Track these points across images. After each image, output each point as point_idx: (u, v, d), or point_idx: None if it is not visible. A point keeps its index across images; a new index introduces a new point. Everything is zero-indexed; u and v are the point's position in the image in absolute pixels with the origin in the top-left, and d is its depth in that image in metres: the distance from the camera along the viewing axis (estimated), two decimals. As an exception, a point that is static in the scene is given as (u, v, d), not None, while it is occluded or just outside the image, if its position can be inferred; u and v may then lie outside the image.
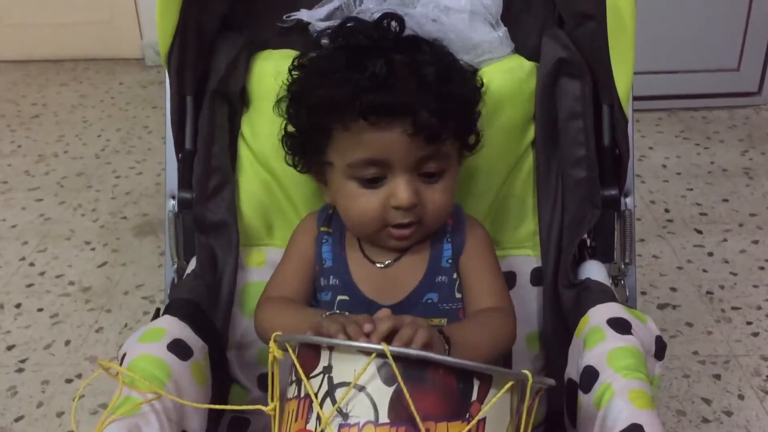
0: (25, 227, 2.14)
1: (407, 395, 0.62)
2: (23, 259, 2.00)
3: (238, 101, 1.04)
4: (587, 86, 0.97)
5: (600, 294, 0.90)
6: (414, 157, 0.82)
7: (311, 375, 0.67)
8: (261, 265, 1.02)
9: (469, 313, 0.88)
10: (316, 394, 0.66)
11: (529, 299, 1.01)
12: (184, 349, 0.85)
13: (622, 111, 0.95)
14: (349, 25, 0.91)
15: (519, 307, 0.93)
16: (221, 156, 1.00)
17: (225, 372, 0.98)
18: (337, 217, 0.93)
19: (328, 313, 0.82)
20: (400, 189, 0.82)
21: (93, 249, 2.04)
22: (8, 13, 3.16)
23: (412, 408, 0.62)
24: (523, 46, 1.04)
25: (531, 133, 1.02)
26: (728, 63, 2.64)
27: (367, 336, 0.71)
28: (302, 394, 0.68)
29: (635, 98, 1.00)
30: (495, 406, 0.65)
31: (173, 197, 1.03)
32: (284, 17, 1.07)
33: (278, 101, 0.92)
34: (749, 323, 1.73)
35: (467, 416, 0.64)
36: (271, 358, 0.71)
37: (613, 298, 0.90)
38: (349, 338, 0.71)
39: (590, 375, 0.81)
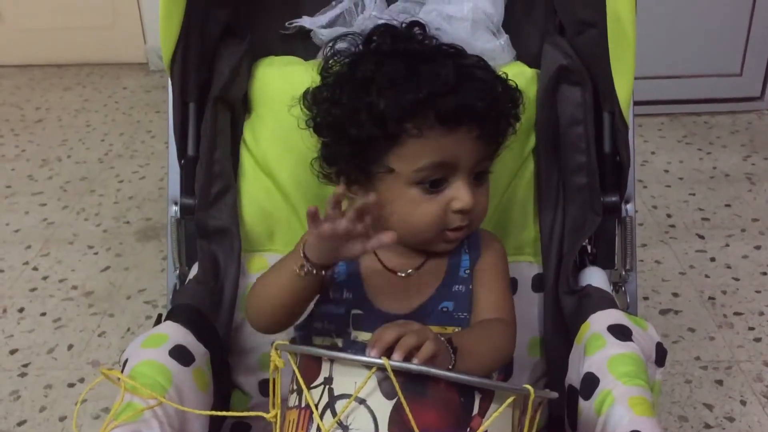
0: (29, 231, 2.14)
1: (407, 409, 0.62)
2: (27, 263, 2.01)
3: (241, 107, 1.05)
4: (588, 93, 0.98)
5: (600, 300, 0.90)
6: (475, 159, 0.84)
7: (312, 385, 0.68)
8: (263, 271, 1.02)
9: (474, 322, 0.88)
10: (316, 405, 0.66)
11: (530, 305, 1.02)
12: (185, 355, 0.85)
13: (622, 118, 0.95)
14: (382, 30, 0.89)
15: (520, 313, 0.93)
16: (223, 162, 1.01)
17: (226, 378, 0.98)
18: None
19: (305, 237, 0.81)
20: (463, 192, 0.83)
21: (96, 253, 2.05)
22: (12, 18, 3.17)
23: (413, 422, 0.62)
24: (525, 54, 1.04)
25: (532, 140, 1.02)
26: (731, 68, 2.64)
27: (372, 345, 0.70)
28: (303, 404, 0.68)
29: (637, 103, 1.01)
30: (496, 420, 0.65)
31: (175, 203, 1.03)
32: (286, 24, 1.08)
33: (314, 114, 0.89)
34: (751, 329, 1.73)
35: (468, 430, 0.65)
36: (272, 366, 0.71)
37: (613, 305, 0.90)
38: None
39: (591, 381, 0.82)
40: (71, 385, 1.61)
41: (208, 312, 0.94)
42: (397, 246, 0.89)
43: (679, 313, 1.78)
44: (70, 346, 1.72)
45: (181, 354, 0.84)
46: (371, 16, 1.01)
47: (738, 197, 2.23)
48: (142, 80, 3.15)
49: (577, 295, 0.94)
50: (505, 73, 0.89)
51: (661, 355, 0.87)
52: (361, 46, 0.89)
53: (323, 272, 0.80)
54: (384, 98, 0.80)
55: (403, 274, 0.90)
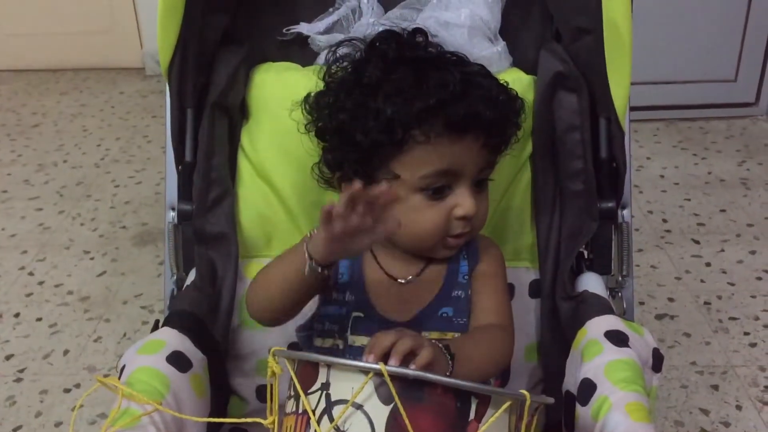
0: (25, 236, 2.14)
1: (404, 415, 0.63)
2: (22, 268, 2.00)
3: (238, 114, 1.05)
4: (584, 99, 0.98)
5: (597, 306, 0.91)
6: (479, 167, 0.85)
7: (309, 391, 0.68)
8: (260, 278, 1.03)
9: (472, 327, 0.89)
10: (313, 411, 0.66)
11: (527, 311, 1.02)
12: (183, 361, 0.85)
13: (618, 124, 0.96)
14: (386, 36, 0.89)
15: (517, 319, 0.93)
16: (221, 168, 1.01)
17: (224, 383, 0.99)
18: None
19: (315, 230, 0.80)
20: (466, 199, 0.83)
21: (92, 258, 2.04)
22: (8, 22, 3.17)
23: (409, 427, 0.62)
24: (522, 60, 1.05)
25: (529, 147, 1.03)
26: (725, 74, 2.65)
27: (369, 351, 0.71)
28: (300, 410, 0.68)
29: (633, 108, 1.01)
30: (493, 425, 0.66)
31: (173, 209, 1.04)
32: (284, 30, 1.08)
33: (317, 119, 0.89)
34: (747, 333, 1.73)
35: (465, 436, 0.65)
36: (269, 372, 0.71)
37: (610, 311, 0.91)
38: None
39: (588, 387, 0.82)
40: (67, 391, 1.61)
41: (205, 318, 0.94)
42: (397, 252, 0.90)
43: (675, 318, 1.79)
44: (66, 352, 1.72)
45: (178, 360, 0.84)
46: (369, 22, 1.02)
47: (733, 202, 2.24)
48: (138, 85, 3.15)
49: (574, 300, 0.95)
50: (505, 81, 0.89)
51: (657, 361, 0.87)
52: (364, 52, 0.89)
53: (327, 271, 0.80)
54: (391, 105, 0.80)
55: (403, 281, 0.90)
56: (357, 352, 0.84)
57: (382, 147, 0.81)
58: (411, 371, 0.65)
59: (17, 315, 1.84)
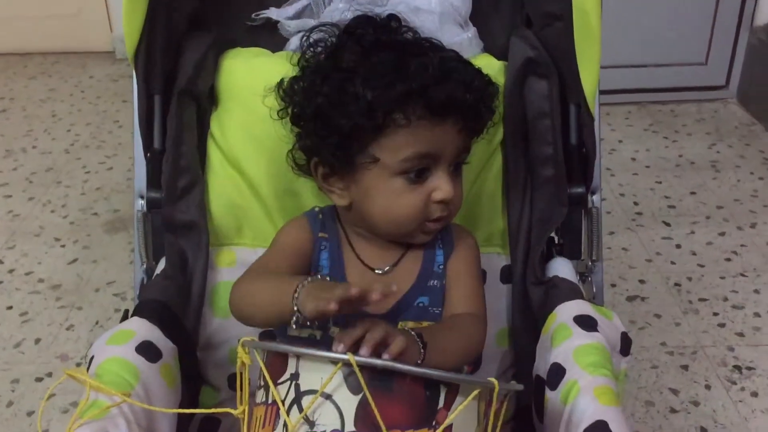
0: (-6, 224, 2.11)
1: (373, 404, 0.63)
2: (-8, 256, 1.98)
3: (207, 100, 1.04)
4: (554, 86, 0.99)
5: (567, 291, 0.92)
6: (457, 150, 0.85)
7: (279, 381, 0.68)
8: (231, 265, 1.02)
9: (445, 316, 0.89)
10: (283, 401, 0.66)
11: (498, 297, 1.02)
12: (153, 351, 0.84)
13: (588, 110, 0.96)
14: (363, 21, 0.89)
15: (489, 304, 0.94)
16: (190, 156, 1.00)
17: (195, 372, 0.98)
18: (330, 223, 0.92)
19: (307, 281, 0.77)
20: (444, 182, 0.84)
21: (63, 246, 2.02)
22: (-25, 6, 3.11)
23: (378, 417, 0.63)
24: (492, 46, 1.05)
25: (500, 132, 1.03)
26: (696, 57, 2.67)
27: (339, 340, 0.71)
28: (270, 400, 0.68)
29: (605, 92, 1.01)
30: (462, 412, 0.66)
31: (142, 197, 1.03)
32: (253, 16, 1.07)
33: (292, 105, 0.88)
34: (716, 314, 1.76)
35: (434, 423, 0.65)
36: (239, 363, 0.71)
37: (579, 296, 0.92)
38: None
39: (557, 372, 0.83)
40: (39, 380, 1.60)
41: (176, 307, 0.94)
42: (375, 239, 0.90)
43: (646, 299, 1.81)
44: (37, 340, 1.70)
45: (148, 350, 0.84)
46: (339, 8, 1.01)
47: (703, 185, 2.27)
48: (108, 69, 3.10)
49: (544, 286, 0.96)
50: (479, 67, 0.89)
51: (626, 345, 0.88)
52: (339, 37, 0.89)
53: (315, 322, 0.79)
54: (371, 89, 0.80)
55: (380, 272, 0.90)
56: (328, 343, 0.83)
57: (362, 131, 0.81)
58: (379, 361, 0.65)
59: (-13, 304, 1.82)
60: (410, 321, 0.87)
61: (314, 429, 0.65)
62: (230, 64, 1.04)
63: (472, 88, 0.83)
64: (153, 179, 1.01)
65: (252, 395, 0.73)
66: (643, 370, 1.61)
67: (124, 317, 0.90)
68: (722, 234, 2.04)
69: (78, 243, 2.03)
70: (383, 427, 0.63)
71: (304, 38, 0.91)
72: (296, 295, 0.76)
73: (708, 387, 1.56)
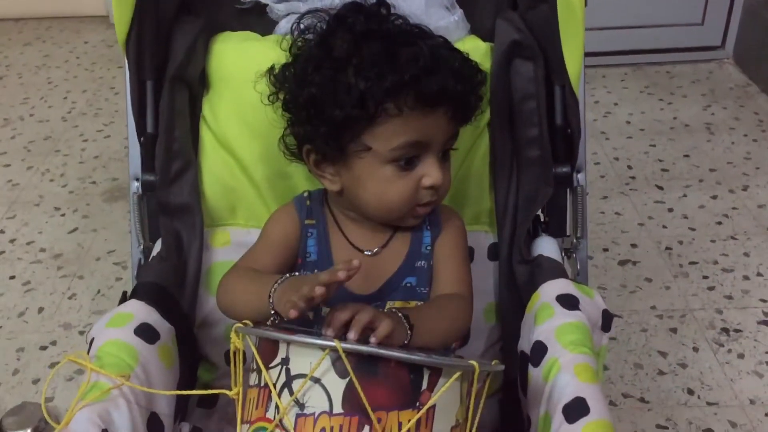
0: (-7, 193, 2.14)
1: (359, 388, 0.66)
2: (-7, 226, 2.01)
3: (198, 85, 1.05)
4: (540, 68, 1.00)
5: (551, 271, 0.94)
6: (446, 137, 0.87)
7: (270, 365, 0.71)
8: (226, 245, 1.05)
9: (432, 296, 0.92)
10: (274, 385, 0.70)
11: (486, 274, 1.05)
12: (150, 333, 0.87)
13: (573, 92, 0.98)
14: (353, 9, 0.89)
15: (477, 281, 0.97)
16: (183, 140, 1.02)
17: (193, 350, 1.01)
18: (318, 207, 0.94)
19: (278, 283, 0.81)
20: (434, 169, 0.86)
21: (63, 215, 2.05)
22: (-34, -30, 3.08)
23: (364, 399, 0.66)
24: (479, 28, 1.06)
25: (487, 114, 1.04)
26: (692, 17, 2.66)
27: (328, 324, 0.74)
28: (262, 383, 0.71)
29: (601, 53, 1.03)
30: (445, 394, 0.69)
31: (137, 179, 1.05)
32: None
33: (284, 91, 0.89)
34: (705, 277, 1.79)
35: (418, 405, 0.68)
36: (232, 348, 0.74)
37: (563, 274, 0.94)
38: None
39: (540, 349, 0.86)
40: (43, 348, 1.64)
41: (172, 288, 0.96)
42: (364, 222, 0.92)
43: (637, 263, 1.84)
44: (40, 309, 1.74)
45: (146, 332, 0.87)
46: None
47: (696, 147, 2.28)
48: (103, 34, 3.08)
49: (529, 265, 0.98)
50: (467, 52, 0.91)
51: (607, 321, 0.91)
52: (329, 24, 0.89)
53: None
54: (363, 79, 0.81)
55: (369, 254, 0.92)
56: (318, 325, 0.86)
57: (354, 121, 0.83)
58: (364, 348, 0.68)
59: (-10, 274, 1.85)
60: (398, 301, 0.90)
61: (304, 411, 0.68)
62: (220, 48, 1.05)
63: (462, 77, 0.85)
64: (147, 163, 1.03)
65: (246, 371, 0.77)
66: (633, 333, 1.65)
67: (123, 299, 0.93)
68: (714, 197, 2.06)
69: (78, 212, 2.05)
70: (369, 409, 0.67)
71: (295, 25, 0.92)
72: (271, 299, 0.79)
73: (696, 349, 1.60)
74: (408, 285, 0.91)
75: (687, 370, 1.55)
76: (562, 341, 0.84)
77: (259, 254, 0.93)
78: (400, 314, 0.80)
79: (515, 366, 0.93)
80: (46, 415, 0.83)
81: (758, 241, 1.90)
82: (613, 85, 2.61)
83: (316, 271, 0.90)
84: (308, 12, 0.93)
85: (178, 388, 0.90)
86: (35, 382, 1.56)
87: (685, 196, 2.07)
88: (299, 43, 0.91)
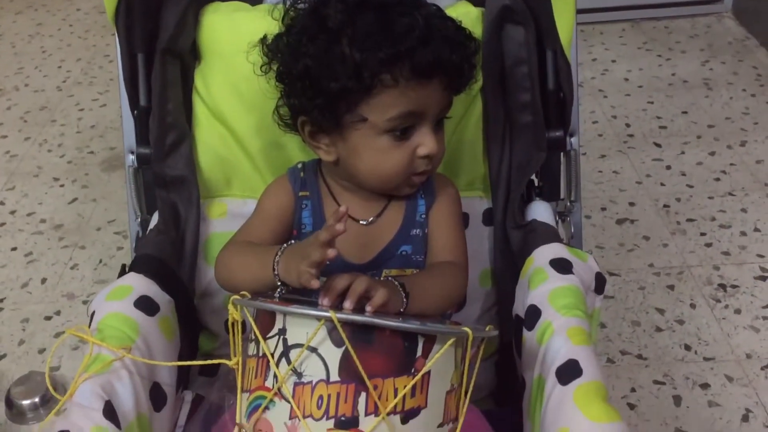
0: (-8, 165, 2.14)
1: (354, 356, 0.67)
2: (-7, 198, 2.02)
3: (190, 57, 1.05)
4: (531, 33, 0.99)
5: (544, 235, 0.95)
6: (440, 107, 0.87)
7: (268, 336, 0.72)
8: (222, 216, 1.06)
9: (428, 264, 0.93)
10: (272, 354, 0.71)
11: (481, 239, 1.06)
12: (150, 305, 0.88)
13: (564, 56, 0.97)
14: None
15: (472, 246, 0.98)
16: (176, 112, 1.02)
17: (193, 320, 1.03)
18: (313, 178, 0.95)
19: (280, 253, 0.82)
20: (429, 138, 0.86)
21: (62, 185, 2.05)
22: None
23: (360, 367, 0.67)
24: (470, -8, 1.05)
25: (480, 80, 1.04)
26: (691, -29, 2.63)
27: (324, 294, 0.75)
28: (260, 353, 0.73)
29: (600, 10, 1.02)
30: (439, 360, 0.71)
31: (132, 152, 1.05)
32: (231, -33, 1.07)
33: (277, 62, 0.89)
34: (703, 234, 1.80)
35: (413, 371, 0.70)
36: (230, 320, 0.75)
37: (556, 239, 0.95)
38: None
39: (534, 313, 0.87)
40: (48, 318, 1.66)
41: (170, 260, 0.97)
42: (359, 191, 0.93)
43: (635, 222, 1.85)
44: (43, 280, 1.75)
45: (146, 304, 0.88)
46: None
47: (695, 103, 2.27)
48: (95, 0, 3.05)
49: (524, 229, 0.99)
50: (459, 19, 0.90)
51: (600, 284, 0.92)
52: None
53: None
54: (359, 50, 0.81)
55: (365, 223, 0.93)
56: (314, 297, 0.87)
57: (350, 92, 0.82)
58: (359, 317, 0.69)
59: (-8, 246, 1.86)
60: (394, 269, 0.91)
61: (302, 380, 0.70)
62: (210, 19, 1.04)
63: (456, 46, 0.84)
64: (141, 136, 1.03)
65: (245, 341, 0.78)
66: (631, 291, 1.67)
67: (122, 272, 0.94)
68: (712, 154, 2.06)
69: (77, 182, 2.06)
70: (365, 377, 0.68)
71: None
72: (275, 270, 0.80)
73: (693, 306, 1.62)
74: (403, 253, 0.92)
75: (684, 326, 1.57)
76: (555, 305, 0.85)
77: (255, 228, 0.93)
78: (395, 282, 0.81)
79: (510, 330, 0.95)
80: (50, 387, 0.84)
81: (756, 196, 1.90)
82: (611, 42, 2.59)
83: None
84: None
85: (180, 358, 0.92)
86: (41, 351, 1.58)
87: (683, 153, 2.07)
88: (291, 13, 0.90)
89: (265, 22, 0.94)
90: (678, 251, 1.76)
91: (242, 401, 0.75)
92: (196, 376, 1.03)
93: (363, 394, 0.69)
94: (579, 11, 0.99)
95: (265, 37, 0.91)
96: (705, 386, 1.44)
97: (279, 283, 0.80)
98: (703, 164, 2.02)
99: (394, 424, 0.69)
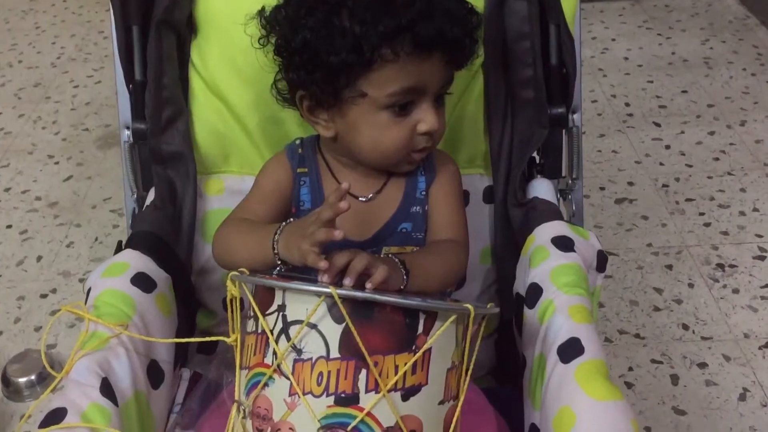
0: (-15, 143, 2.13)
1: (355, 333, 0.66)
2: (-14, 175, 2.00)
3: (186, 30, 1.03)
4: (534, 7, 0.98)
5: (546, 213, 0.94)
6: (441, 82, 0.85)
7: (267, 312, 0.71)
8: (220, 193, 1.04)
9: (428, 242, 0.92)
10: (272, 331, 0.70)
11: (482, 216, 1.05)
12: (147, 282, 0.87)
13: (568, 30, 0.96)
14: None
15: (472, 224, 0.97)
16: (172, 87, 1.00)
17: (191, 298, 1.02)
18: (311, 154, 0.93)
19: (280, 231, 0.81)
20: (429, 115, 0.84)
21: (57, 163, 2.04)
22: None
23: (360, 344, 0.66)
24: (471, -33, 1.03)
25: (481, 56, 1.02)
26: (692, -53, 2.61)
27: (324, 271, 0.74)
28: (259, 330, 0.72)
29: None
30: (440, 337, 0.70)
31: (128, 128, 1.03)
32: (227, -62, 1.04)
33: (275, 35, 0.87)
34: (702, 214, 1.80)
35: (414, 348, 0.69)
36: (229, 296, 0.74)
37: (558, 216, 0.94)
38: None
39: (535, 291, 0.86)
40: (44, 296, 1.65)
41: (167, 237, 0.96)
42: (358, 168, 0.91)
43: (634, 201, 1.84)
44: (39, 258, 1.75)
45: (142, 281, 0.87)
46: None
47: (695, 83, 2.26)
48: (89, -24, 3.02)
49: (525, 207, 0.98)
50: None
51: (601, 262, 0.92)
52: None
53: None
54: (359, 23, 0.79)
55: (364, 200, 0.92)
56: (313, 274, 0.86)
57: (349, 66, 0.81)
58: (359, 293, 0.69)
59: (-14, 223, 1.85)
60: (394, 246, 0.90)
61: (301, 356, 0.69)
62: (207, -9, 1.02)
63: (457, 20, 0.83)
64: (136, 110, 1.01)
65: (244, 318, 0.77)
66: (629, 270, 1.67)
67: (118, 249, 0.93)
68: (711, 133, 2.05)
69: (72, 160, 2.05)
70: (366, 354, 0.67)
71: None
72: (275, 249, 0.79)
73: (691, 285, 1.61)
74: (403, 230, 0.91)
75: (682, 305, 1.57)
76: (557, 283, 0.85)
77: (253, 205, 0.92)
78: (396, 259, 0.80)
79: (511, 307, 0.94)
80: (46, 364, 0.84)
81: (755, 176, 1.90)
82: (611, 21, 2.57)
83: None
84: None
85: (177, 335, 0.91)
86: (37, 329, 1.58)
87: (682, 132, 2.06)
88: None
89: (263, -6, 0.92)
90: (677, 231, 1.75)
91: (241, 378, 0.74)
92: (194, 353, 1.02)
93: (363, 371, 0.68)
94: (579, -11, 0.98)
95: (263, 9, 0.89)
96: (702, 365, 1.44)
97: (279, 262, 0.79)
98: (703, 144, 2.02)
99: (395, 401, 0.68)
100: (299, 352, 0.69)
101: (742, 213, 1.79)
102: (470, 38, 0.85)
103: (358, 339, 0.67)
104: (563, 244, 0.88)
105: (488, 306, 0.77)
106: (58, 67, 2.46)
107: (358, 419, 0.67)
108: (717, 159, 1.96)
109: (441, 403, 0.72)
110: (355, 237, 0.89)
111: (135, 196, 1.06)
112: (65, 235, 1.80)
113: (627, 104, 2.18)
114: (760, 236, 1.73)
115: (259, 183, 0.94)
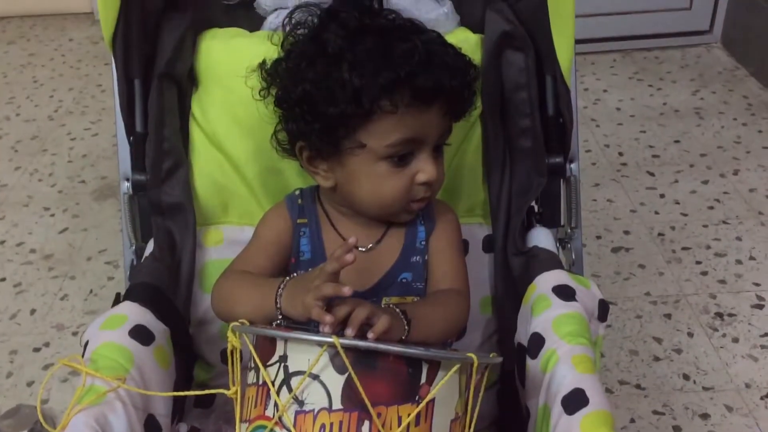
0: (-19, 195, 2.12)
1: (358, 383, 0.66)
2: (-18, 228, 1.99)
3: (187, 82, 1.04)
4: (530, 58, 1.00)
5: (546, 261, 0.94)
6: (440, 133, 0.86)
7: (268, 363, 0.71)
8: (219, 244, 1.04)
9: (429, 292, 0.92)
10: (273, 382, 0.69)
11: (481, 266, 1.05)
12: (145, 335, 0.86)
13: (564, 81, 0.97)
14: (343, 4, 0.88)
15: (472, 273, 0.96)
16: (173, 139, 1.01)
17: (189, 350, 1.01)
18: (311, 205, 0.94)
19: (283, 286, 0.81)
20: (428, 165, 0.85)
21: (52, 215, 2.03)
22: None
23: (363, 394, 0.66)
24: (469, 20, 1.05)
25: (479, 106, 1.03)
26: (680, 2, 2.66)
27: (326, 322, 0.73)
28: (260, 381, 0.71)
29: (590, 40, 1.02)
30: (444, 387, 0.69)
31: (127, 179, 1.04)
32: (229, -6, 1.07)
33: (275, 87, 0.88)
34: (698, 262, 1.79)
35: (417, 398, 0.68)
36: (229, 347, 0.73)
37: (558, 265, 0.94)
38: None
39: (537, 341, 0.86)
40: (36, 350, 1.63)
41: (166, 289, 0.96)
42: (357, 218, 0.91)
43: (630, 250, 1.84)
44: (32, 311, 1.73)
45: (140, 334, 0.86)
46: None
47: (687, 132, 2.28)
48: (88, 31, 3.06)
49: (525, 256, 0.98)
50: (459, 47, 0.89)
51: (603, 311, 0.91)
52: (322, 19, 0.88)
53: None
54: (358, 76, 0.80)
55: (364, 250, 0.92)
56: (314, 325, 0.86)
57: (349, 118, 0.82)
58: (362, 342, 0.68)
59: (-20, 277, 1.83)
60: (394, 297, 0.90)
61: (303, 408, 0.68)
62: (208, 45, 1.04)
63: (456, 72, 0.84)
64: (137, 162, 1.02)
65: (244, 370, 0.76)
66: (628, 320, 1.66)
67: (116, 301, 0.92)
68: (705, 182, 2.06)
69: (67, 212, 2.04)
70: (369, 404, 0.67)
71: (286, 19, 0.91)
72: (278, 303, 0.79)
73: (690, 334, 1.60)
74: (404, 280, 0.91)
75: (682, 355, 1.56)
76: (559, 332, 0.84)
77: (253, 256, 0.92)
78: (397, 310, 0.80)
79: (513, 357, 0.93)
80: (41, 419, 0.82)
81: (750, 224, 1.90)
82: (602, 72, 2.61)
83: (310, 269, 0.88)
84: (298, 6, 0.91)
85: (175, 389, 0.90)
86: (30, 384, 1.55)
87: (676, 181, 2.07)
88: (291, 39, 0.90)
89: (264, 48, 0.94)
90: (674, 279, 1.75)
91: (242, 431, 0.73)
92: (191, 407, 1.00)
93: (366, 423, 0.67)
94: (573, 40, 0.99)
95: (264, 62, 0.91)
96: (705, 416, 1.42)
97: (280, 317, 0.79)
98: (697, 192, 2.03)
99: (399, 454, 0.67)
100: (301, 403, 0.68)
101: (739, 261, 1.79)
102: (468, 90, 0.87)
103: (360, 389, 0.66)
104: (565, 293, 0.88)
105: (491, 356, 0.76)
106: (55, 120, 2.47)
107: (361, 472, 0.66)
108: (711, 208, 1.97)
109: (445, 455, 0.71)
110: (355, 287, 0.88)
111: (133, 247, 1.05)
112: (59, 287, 1.79)
113: (620, 153, 2.20)
114: (757, 284, 1.72)
115: (258, 234, 0.94)
